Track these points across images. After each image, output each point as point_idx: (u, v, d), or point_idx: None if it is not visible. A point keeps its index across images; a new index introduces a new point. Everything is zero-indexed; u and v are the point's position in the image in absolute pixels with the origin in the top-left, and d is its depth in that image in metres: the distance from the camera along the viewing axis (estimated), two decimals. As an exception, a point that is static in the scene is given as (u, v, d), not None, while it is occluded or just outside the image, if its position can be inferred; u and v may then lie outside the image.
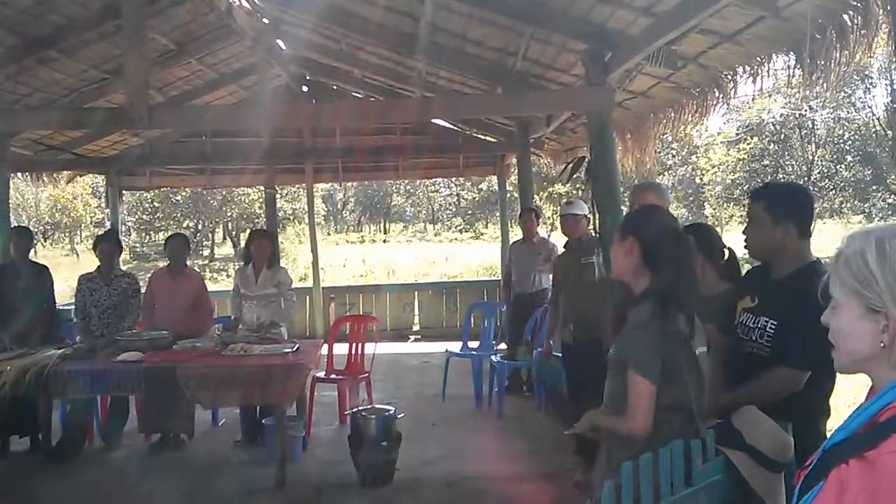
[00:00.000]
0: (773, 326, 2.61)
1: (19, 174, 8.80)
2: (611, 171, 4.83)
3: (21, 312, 5.71)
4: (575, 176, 6.43)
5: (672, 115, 5.99)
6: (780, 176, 26.20)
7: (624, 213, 4.72)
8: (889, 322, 1.18)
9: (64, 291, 6.12)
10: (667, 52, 4.43)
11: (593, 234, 5.03)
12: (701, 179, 26.97)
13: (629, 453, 2.30)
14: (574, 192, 16.08)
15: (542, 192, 19.02)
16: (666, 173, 26.92)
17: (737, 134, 26.46)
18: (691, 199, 28.46)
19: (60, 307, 6.21)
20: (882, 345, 1.19)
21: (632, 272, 2.46)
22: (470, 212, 44.00)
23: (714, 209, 26.63)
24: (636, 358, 2.33)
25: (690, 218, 25.80)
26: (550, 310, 5.42)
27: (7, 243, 6.19)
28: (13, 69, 6.22)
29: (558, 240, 7.37)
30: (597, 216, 4.84)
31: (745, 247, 2.84)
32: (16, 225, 7.37)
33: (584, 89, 4.97)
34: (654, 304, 2.36)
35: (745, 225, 2.84)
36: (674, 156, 27.64)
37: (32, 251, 6.08)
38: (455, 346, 7.27)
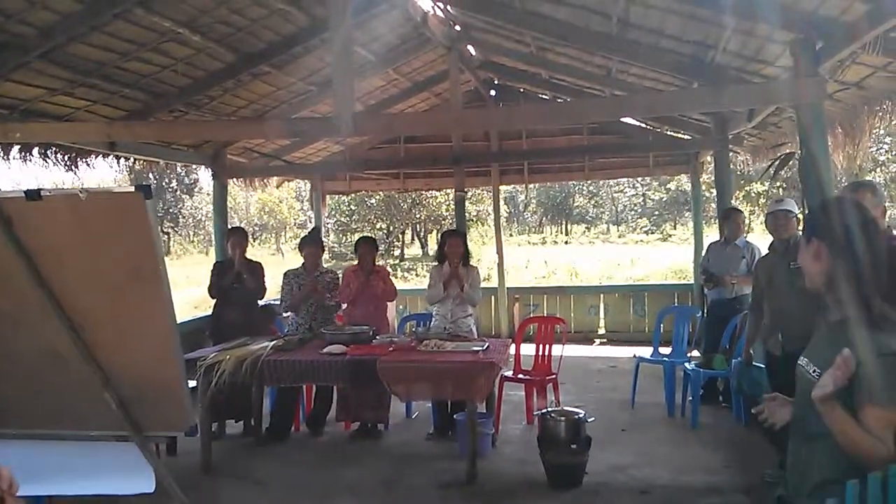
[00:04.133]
0: None
1: (234, 179, 9.65)
2: (823, 167, 4.47)
3: (238, 305, 6.28)
4: (780, 174, 6.00)
5: (889, 106, 5.48)
6: None
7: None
8: None
9: (272, 288, 6.62)
10: (885, 38, 4.05)
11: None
12: (917, 177, 24.26)
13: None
14: (775, 190, 15.03)
15: (738, 192, 17.96)
16: (878, 170, 24.48)
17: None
18: (905, 198, 25.67)
19: (272, 301, 6.73)
20: None
21: (823, 280, 2.21)
22: (657, 212, 42.58)
23: (931, 210, 23.85)
24: (874, 391, 2.03)
25: (902, 219, 23.32)
26: (750, 317, 5.10)
27: (225, 242, 6.82)
28: (231, 83, 6.86)
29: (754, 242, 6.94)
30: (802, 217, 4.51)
31: None
32: (234, 225, 8.08)
33: (793, 81, 4.63)
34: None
35: None
36: (886, 151, 25.07)
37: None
38: (643, 352, 7.06)
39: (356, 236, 32.24)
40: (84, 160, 6.89)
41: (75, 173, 6.98)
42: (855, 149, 6.31)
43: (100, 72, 5.73)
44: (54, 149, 6.51)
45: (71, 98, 5.97)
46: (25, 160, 6.29)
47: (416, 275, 23.98)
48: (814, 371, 2.21)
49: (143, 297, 2.63)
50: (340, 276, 6.45)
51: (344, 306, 6.40)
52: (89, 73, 5.67)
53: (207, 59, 6.25)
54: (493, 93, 10.02)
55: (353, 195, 24.61)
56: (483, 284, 6.31)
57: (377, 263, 6.54)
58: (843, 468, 2.12)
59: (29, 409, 2.96)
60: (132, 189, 2.52)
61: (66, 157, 6.67)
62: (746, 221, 20.34)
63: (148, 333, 2.70)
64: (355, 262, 6.51)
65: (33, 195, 2.58)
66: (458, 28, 7.60)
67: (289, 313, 6.40)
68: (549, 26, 6.46)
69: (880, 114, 5.68)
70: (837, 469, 2.15)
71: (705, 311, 6.94)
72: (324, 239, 7.07)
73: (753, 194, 22.06)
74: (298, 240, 6.73)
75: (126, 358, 2.75)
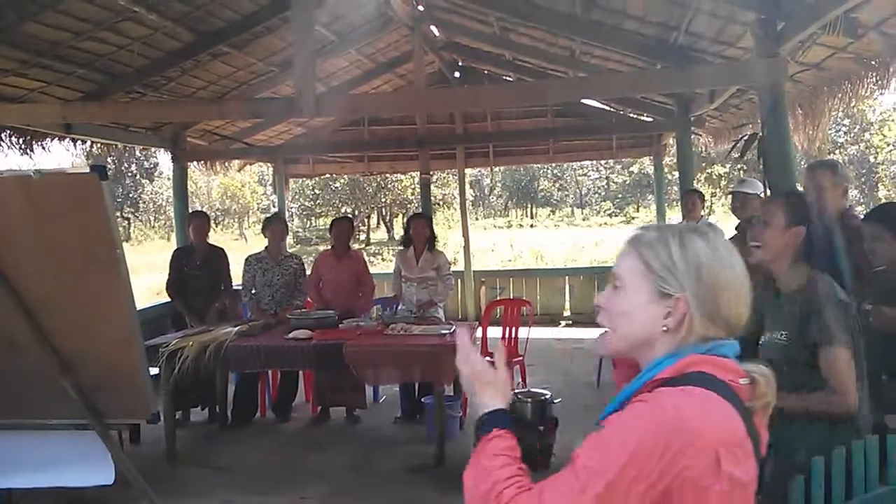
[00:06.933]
0: None
1: (194, 163, 9.48)
2: (785, 148, 4.53)
3: (200, 291, 6.17)
4: (744, 156, 6.06)
5: (848, 88, 5.55)
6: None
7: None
8: (677, 306, 1.23)
9: (237, 273, 6.52)
10: (846, 19, 4.08)
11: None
12: (875, 158, 24.80)
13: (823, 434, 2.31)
14: (736, 172, 15.24)
15: (700, 174, 18.18)
16: (837, 151, 24.99)
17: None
18: (864, 178, 26.27)
19: (236, 287, 6.63)
20: (665, 328, 1.24)
21: (791, 256, 2.48)
22: (620, 195, 42.98)
23: (889, 190, 24.45)
24: (834, 332, 2.30)
25: (862, 199, 23.89)
26: None
27: (186, 227, 6.70)
28: (189, 64, 6.70)
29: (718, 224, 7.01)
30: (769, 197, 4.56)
31: None
32: (195, 210, 7.91)
33: (755, 61, 4.67)
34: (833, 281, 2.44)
35: None
36: (845, 133, 25.60)
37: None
38: (609, 332, 7.10)
39: (321, 221, 32.03)
40: (39, 143, 6.68)
41: (31, 157, 6.76)
42: (815, 130, 6.39)
43: (54, 52, 5.55)
44: (8, 132, 6.29)
45: (24, 79, 5.77)
46: (-23, 144, 6.09)
47: (383, 259, 23.89)
48: (781, 335, 2.45)
49: (100, 280, 2.55)
50: (306, 262, 6.36)
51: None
52: (43, 53, 5.48)
53: (165, 39, 6.10)
54: (457, 74, 9.95)
55: (317, 179, 24.39)
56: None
57: (353, 248, 6.44)
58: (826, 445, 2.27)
59: (-17, 398, 2.87)
60: (87, 170, 2.44)
61: (20, 141, 6.45)
62: (707, 203, 20.65)
63: (106, 318, 2.63)
64: (328, 248, 6.37)
65: (-17, 177, 2.49)
66: (421, 8, 7.52)
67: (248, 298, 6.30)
68: (513, 6, 6.43)
69: (839, 95, 5.75)
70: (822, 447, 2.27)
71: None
72: (287, 224, 6.96)
73: (715, 176, 22.36)
74: (261, 223, 6.61)
75: (84, 343, 2.67)
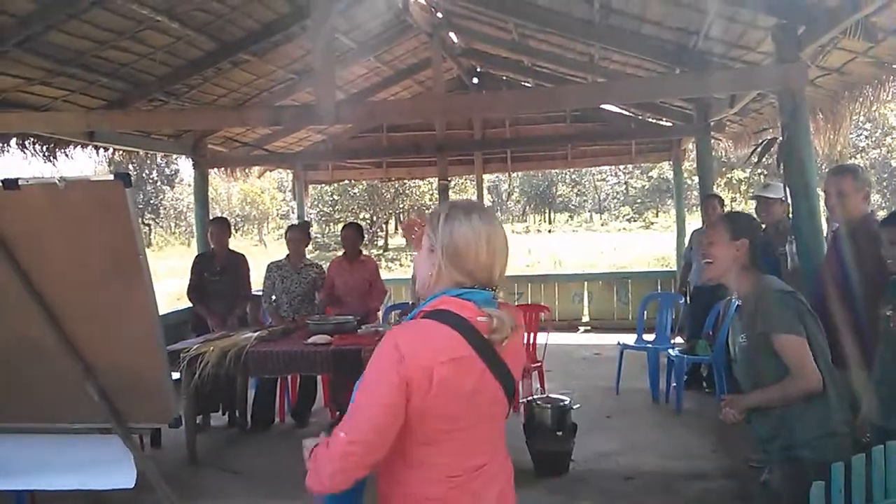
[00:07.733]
0: None
1: (215, 169, 9.57)
2: (805, 153, 4.49)
3: (221, 297, 6.23)
4: (762, 160, 6.01)
5: (869, 92, 5.50)
6: None
7: (819, 199, 4.41)
8: (434, 259, 1.74)
9: (257, 279, 6.58)
10: (865, 24, 4.06)
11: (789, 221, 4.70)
12: (897, 162, 24.56)
13: (807, 418, 2.49)
14: (757, 177, 15.11)
15: (720, 179, 18.03)
16: (858, 156, 24.73)
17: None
18: (885, 183, 25.96)
19: (256, 292, 6.68)
20: (430, 275, 1.76)
21: (738, 267, 2.73)
22: (639, 200, 42.75)
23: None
24: (776, 320, 2.52)
25: (885, 204, 23.60)
26: None
27: (207, 233, 6.75)
28: (210, 72, 6.77)
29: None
30: (789, 201, 4.53)
31: None
32: (216, 216, 7.97)
33: (775, 66, 4.64)
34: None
35: None
36: (867, 137, 25.32)
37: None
38: (627, 339, 7.09)
39: (340, 226, 32.13)
40: (63, 151, 6.78)
41: (54, 164, 6.87)
42: (836, 134, 6.34)
43: (78, 61, 5.64)
44: (32, 139, 6.39)
45: (49, 87, 5.86)
46: (2, 151, 6.17)
47: (401, 265, 23.95)
48: (742, 339, 2.71)
49: (124, 286, 2.58)
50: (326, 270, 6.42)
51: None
52: (67, 62, 5.57)
53: (186, 48, 6.17)
54: (475, 81, 9.99)
55: (335, 185, 24.51)
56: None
57: (364, 253, 6.50)
58: (807, 433, 2.50)
59: (7, 402, 2.91)
60: (111, 177, 2.47)
61: (44, 148, 6.56)
62: (726, 207, 20.48)
63: (129, 323, 2.65)
64: (340, 253, 6.47)
65: (11, 184, 2.52)
66: (439, 15, 7.56)
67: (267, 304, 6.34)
68: (531, 12, 6.44)
69: (860, 99, 5.69)
70: (803, 432, 2.51)
71: (688, 297, 6.98)
72: (310, 232, 7.01)
73: (735, 181, 22.20)
74: (282, 230, 6.70)
75: (107, 348, 2.70)
